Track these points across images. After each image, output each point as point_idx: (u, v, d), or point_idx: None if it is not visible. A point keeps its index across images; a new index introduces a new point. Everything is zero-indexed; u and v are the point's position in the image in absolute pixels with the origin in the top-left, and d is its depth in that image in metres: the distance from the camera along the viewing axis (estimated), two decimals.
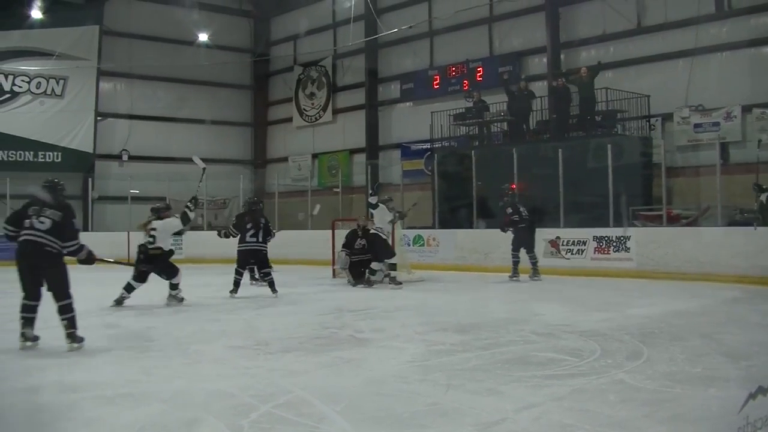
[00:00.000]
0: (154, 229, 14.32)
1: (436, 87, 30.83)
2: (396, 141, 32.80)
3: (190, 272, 20.19)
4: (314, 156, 36.40)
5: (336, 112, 35.86)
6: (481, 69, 29.28)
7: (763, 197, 19.31)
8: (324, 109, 36.17)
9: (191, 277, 19.34)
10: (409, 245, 22.91)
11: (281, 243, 25.33)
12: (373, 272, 17.98)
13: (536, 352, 8.92)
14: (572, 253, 20.43)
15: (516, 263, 18.75)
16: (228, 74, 37.14)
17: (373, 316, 12.90)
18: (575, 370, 7.84)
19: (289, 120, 37.77)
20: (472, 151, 24.47)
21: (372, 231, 18.39)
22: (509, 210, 18.68)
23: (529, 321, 11.63)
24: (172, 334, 10.76)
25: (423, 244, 23.37)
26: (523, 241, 18.76)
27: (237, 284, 16.19)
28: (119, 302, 13.94)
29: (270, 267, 16.43)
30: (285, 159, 37.57)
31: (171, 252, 14.78)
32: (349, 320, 12.28)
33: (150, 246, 14.31)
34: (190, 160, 33.57)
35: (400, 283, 17.66)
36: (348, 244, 18.90)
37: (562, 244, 20.69)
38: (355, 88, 34.69)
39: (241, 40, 38.43)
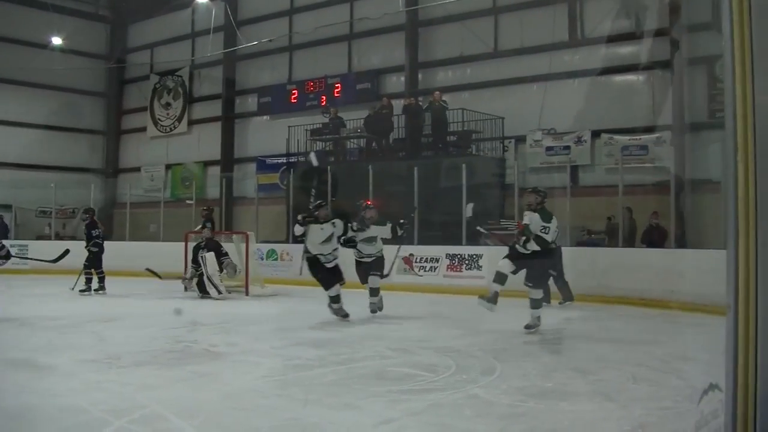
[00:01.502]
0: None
1: (293, 101, 30.72)
2: (252, 154, 32.54)
3: (35, 283, 19.74)
4: (168, 167, 35.79)
5: (191, 123, 35.36)
6: (339, 85, 29.39)
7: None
8: (179, 120, 35.61)
9: (36, 288, 18.95)
10: (262, 259, 22.71)
11: (131, 254, 24.98)
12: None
13: (392, 368, 9.01)
14: (425, 270, 20.45)
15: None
16: (81, 80, 35.95)
17: (227, 330, 12.80)
18: (431, 386, 7.92)
19: (143, 129, 36.97)
20: (328, 167, 24.43)
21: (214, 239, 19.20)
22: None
23: (384, 337, 11.64)
24: (17, 348, 10.40)
25: (276, 258, 23.18)
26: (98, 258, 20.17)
27: None
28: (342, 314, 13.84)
29: None
30: (138, 169, 36.76)
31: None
32: (202, 334, 12.14)
33: None
34: (37, 167, 32.94)
35: (346, 315, 13.81)
36: (194, 259, 18.84)
37: (416, 261, 20.67)
38: (212, 99, 34.31)
39: (96, 45, 37.34)
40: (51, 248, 26.54)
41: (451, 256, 20.18)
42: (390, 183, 22.62)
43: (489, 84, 25.88)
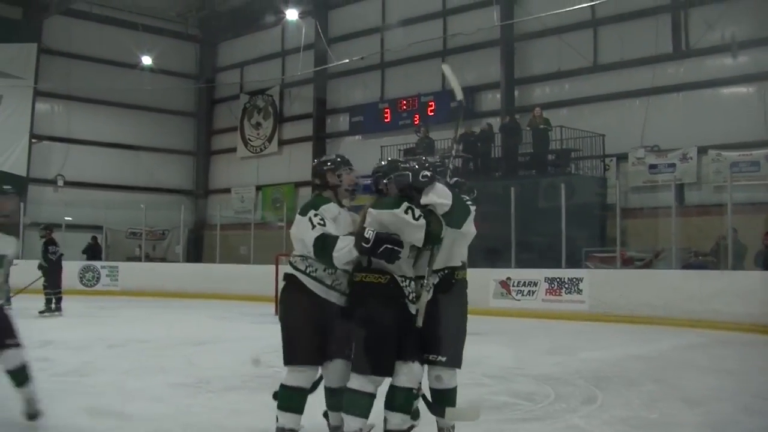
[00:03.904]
0: None
1: (386, 121, 30.30)
2: None
3: (124, 305, 19.71)
4: (258, 188, 35.82)
5: (282, 143, 35.28)
6: (432, 103, 28.84)
7: None
8: (270, 140, 35.60)
9: (125, 311, 18.99)
10: None
11: (222, 277, 24.83)
12: None
13: (489, 396, 8.69)
14: (523, 295, 20.03)
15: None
16: (171, 100, 36.44)
17: None
18: (529, 415, 7.71)
19: (234, 150, 37.13)
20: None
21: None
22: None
23: (480, 363, 11.06)
24: (108, 370, 10.38)
25: None
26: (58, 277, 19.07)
27: None
28: None
29: None
30: (228, 190, 37.04)
31: None
32: None
33: None
34: (128, 189, 33.21)
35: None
36: None
37: (513, 285, 20.26)
38: (303, 119, 34.24)
39: (187, 65, 37.88)
40: (141, 270, 26.82)
41: (550, 280, 19.76)
42: (485, 203, 21.97)
43: (588, 100, 25.22)
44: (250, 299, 22.95)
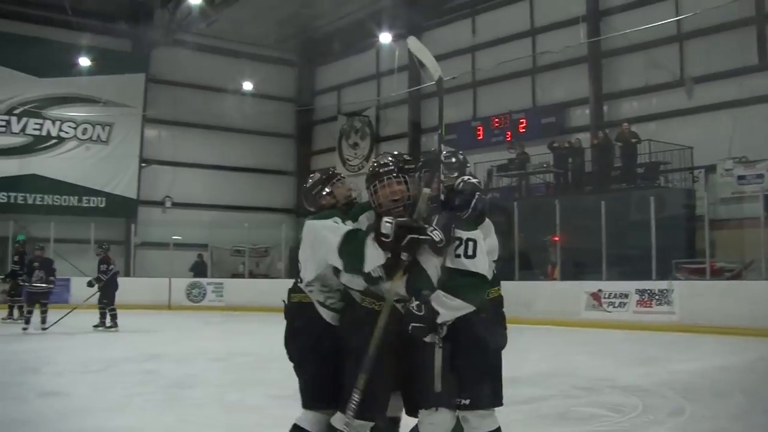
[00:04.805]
0: None
1: (479, 138, 30.55)
2: None
3: (231, 320, 20.21)
4: None
5: None
6: (524, 120, 29.08)
7: None
8: (367, 159, 35.65)
9: (232, 325, 19.37)
10: None
11: None
12: None
13: (577, 407, 8.78)
14: (614, 306, 20.21)
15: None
16: (272, 123, 37.20)
17: None
18: (617, 427, 7.69)
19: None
20: (515, 203, 24.27)
21: None
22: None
23: (570, 375, 11.34)
24: (209, 382, 10.76)
25: None
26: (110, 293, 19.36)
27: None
28: None
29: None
30: None
31: None
32: None
33: None
34: (232, 208, 34.10)
35: None
36: None
37: (604, 297, 20.49)
38: (398, 138, 34.45)
39: (286, 89, 38.59)
40: (245, 286, 27.52)
41: (641, 292, 19.89)
42: (577, 218, 22.37)
43: (676, 113, 25.07)
44: None
